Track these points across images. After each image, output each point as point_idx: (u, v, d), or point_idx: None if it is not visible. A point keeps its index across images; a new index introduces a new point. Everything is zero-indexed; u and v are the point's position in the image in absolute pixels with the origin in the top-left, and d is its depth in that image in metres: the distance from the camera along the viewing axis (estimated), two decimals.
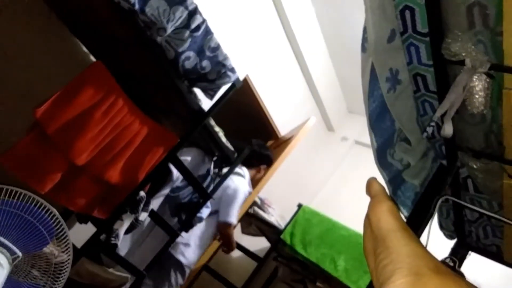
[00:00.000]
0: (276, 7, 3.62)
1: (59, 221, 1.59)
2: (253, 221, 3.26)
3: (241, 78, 3.44)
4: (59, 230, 1.63)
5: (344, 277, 2.63)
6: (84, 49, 2.43)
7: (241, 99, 3.65)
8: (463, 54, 0.92)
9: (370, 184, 0.43)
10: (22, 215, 1.47)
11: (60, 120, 1.91)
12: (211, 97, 2.11)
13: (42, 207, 1.49)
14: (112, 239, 1.99)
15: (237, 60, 2.71)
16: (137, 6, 1.71)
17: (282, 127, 4.15)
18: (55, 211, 1.53)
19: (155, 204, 2.31)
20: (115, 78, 1.99)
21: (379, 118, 1.21)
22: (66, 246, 1.69)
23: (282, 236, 3.01)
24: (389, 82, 1.10)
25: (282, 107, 4.07)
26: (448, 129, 0.95)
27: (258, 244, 3.52)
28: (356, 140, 4.43)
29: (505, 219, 1.17)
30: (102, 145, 1.95)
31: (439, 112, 0.96)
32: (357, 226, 2.88)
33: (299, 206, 3.21)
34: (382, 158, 1.29)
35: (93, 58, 2.44)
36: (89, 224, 2.22)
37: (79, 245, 1.93)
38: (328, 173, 4.35)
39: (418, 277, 0.29)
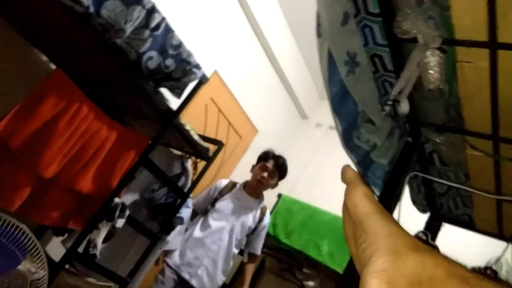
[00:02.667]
0: (239, 1, 3.59)
1: (31, 238, 1.54)
2: None
3: (209, 74, 3.43)
4: (31, 247, 1.59)
5: (329, 261, 2.67)
6: (45, 58, 2.36)
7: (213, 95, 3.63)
8: (414, 31, 0.93)
9: (345, 172, 0.44)
10: None
11: (23, 133, 1.85)
12: (178, 95, 2.09)
13: (11, 225, 1.44)
14: (90, 249, 1.96)
15: (202, 56, 2.68)
16: (92, 9, 1.66)
17: (257, 119, 4.15)
18: (25, 228, 1.49)
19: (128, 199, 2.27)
20: (78, 84, 1.94)
21: (341, 102, 1.22)
22: (41, 262, 1.65)
23: None
24: (348, 65, 1.11)
25: (254, 100, 4.06)
26: (404, 107, 0.97)
27: None
28: (330, 125, 4.47)
29: (471, 189, 1.21)
30: (70, 155, 1.91)
31: (395, 91, 0.97)
32: (338, 209, 2.92)
33: (279, 196, 3.23)
34: (349, 141, 1.30)
35: (54, 67, 2.37)
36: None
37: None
38: (305, 160, 4.39)
39: (396, 256, 0.30)
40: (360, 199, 0.38)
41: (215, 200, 2.64)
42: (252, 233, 2.64)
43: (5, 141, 1.83)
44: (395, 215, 1.19)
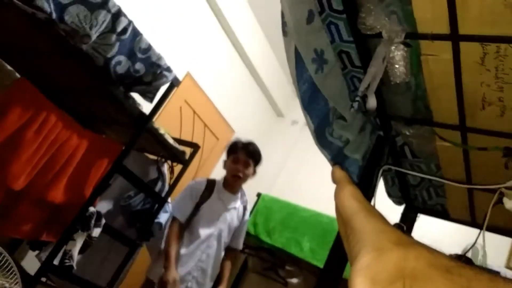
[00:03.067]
0: (207, 0, 3.57)
1: (1, 253, 1.49)
2: None
3: (182, 76, 3.40)
4: (3, 262, 1.53)
5: (311, 257, 2.69)
6: (8, 67, 2.28)
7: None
8: (378, 27, 0.94)
9: (334, 172, 0.47)
10: None
11: None
12: (150, 99, 2.05)
13: None
14: (67, 261, 1.91)
15: (174, 59, 2.65)
16: (54, 15, 1.62)
17: (233, 120, 4.14)
18: None
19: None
20: (45, 93, 1.88)
21: (311, 100, 1.22)
22: (15, 277, 1.60)
23: None
24: (316, 63, 1.11)
25: (228, 100, 4.05)
26: (371, 102, 0.98)
27: None
28: (306, 122, 4.50)
29: (442, 180, 1.23)
30: (39, 166, 1.85)
31: (362, 86, 0.98)
32: (317, 206, 2.94)
33: (258, 195, 3.23)
34: (321, 138, 1.31)
35: (18, 76, 2.29)
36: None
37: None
38: (283, 158, 4.41)
39: (380, 252, 0.31)
40: (347, 198, 0.40)
41: (198, 205, 2.43)
42: (235, 230, 2.55)
43: None
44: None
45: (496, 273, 0.28)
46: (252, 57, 4.10)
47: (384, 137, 1.33)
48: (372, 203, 1.18)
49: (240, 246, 2.60)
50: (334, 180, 0.46)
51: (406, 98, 1.15)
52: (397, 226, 1.36)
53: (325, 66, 1.15)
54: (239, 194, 2.54)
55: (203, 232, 2.36)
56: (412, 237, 0.34)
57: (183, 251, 2.31)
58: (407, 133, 1.24)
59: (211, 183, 2.51)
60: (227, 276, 2.51)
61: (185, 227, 2.37)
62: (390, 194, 1.68)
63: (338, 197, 0.42)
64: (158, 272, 2.29)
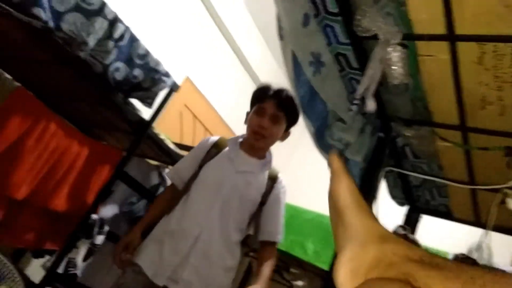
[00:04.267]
0: (204, 4, 3.57)
1: (5, 264, 1.49)
2: None
3: (181, 80, 3.40)
4: (7, 273, 1.53)
5: (314, 259, 2.67)
6: (7, 76, 2.28)
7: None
8: (374, 29, 0.93)
9: (332, 160, 0.46)
10: None
11: None
12: (149, 105, 2.05)
13: None
14: (71, 269, 1.91)
15: (172, 63, 2.65)
16: (51, 24, 1.62)
17: (234, 123, 4.14)
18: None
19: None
20: (44, 101, 1.88)
21: (310, 103, 1.22)
22: (18, 286, 1.60)
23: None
24: (313, 66, 1.11)
25: (228, 103, 4.04)
26: (370, 105, 0.97)
27: None
28: None
29: (444, 180, 1.22)
30: (41, 174, 1.85)
31: (360, 89, 0.97)
32: (320, 208, 2.93)
33: None
34: (321, 141, 1.30)
35: (17, 84, 2.29)
36: None
37: None
38: (285, 160, 4.39)
39: (363, 246, 0.33)
40: (342, 191, 0.41)
41: (201, 166, 1.70)
42: (259, 210, 1.69)
43: None
44: (374, 210, 1.19)
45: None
46: (251, 60, 4.09)
47: (385, 138, 1.32)
48: (375, 204, 1.17)
49: (274, 237, 1.70)
50: (331, 168, 0.46)
51: (405, 99, 1.14)
52: (400, 228, 1.35)
53: (322, 68, 1.14)
54: (262, 161, 1.70)
55: (202, 201, 1.64)
56: (394, 234, 0.35)
57: (173, 225, 1.59)
58: (408, 134, 1.23)
59: (223, 140, 1.78)
60: (265, 274, 1.63)
61: (182, 195, 1.67)
62: (393, 195, 1.67)
63: (334, 187, 0.43)
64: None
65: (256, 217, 1.68)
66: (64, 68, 1.81)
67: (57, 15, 1.63)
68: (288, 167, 4.33)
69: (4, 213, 1.83)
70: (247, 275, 3.21)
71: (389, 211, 1.59)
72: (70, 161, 1.91)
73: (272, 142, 1.68)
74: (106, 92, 1.83)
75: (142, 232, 1.61)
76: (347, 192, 0.40)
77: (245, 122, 1.72)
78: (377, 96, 1.20)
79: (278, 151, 4.43)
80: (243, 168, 1.67)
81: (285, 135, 1.64)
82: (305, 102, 1.17)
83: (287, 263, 2.95)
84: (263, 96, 1.63)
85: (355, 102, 0.98)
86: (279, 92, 1.56)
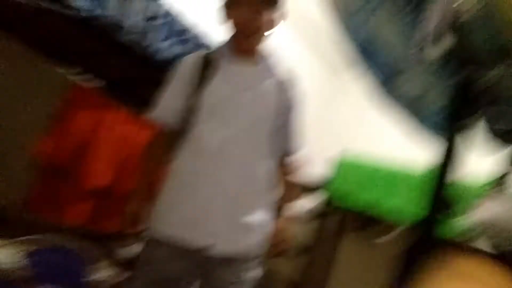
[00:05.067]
0: None
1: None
2: None
3: None
4: None
5: (396, 216, 2.58)
6: (61, 71, 2.32)
7: None
8: None
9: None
10: None
11: (66, 150, 1.89)
12: None
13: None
14: None
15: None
16: (93, 12, 1.62)
17: None
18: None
19: None
20: (103, 90, 1.93)
21: (369, 53, 1.07)
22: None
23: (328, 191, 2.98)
24: (365, 10, 0.96)
25: None
26: (438, 48, 0.80)
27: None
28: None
29: None
30: (119, 161, 1.94)
31: (424, 31, 0.81)
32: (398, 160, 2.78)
33: (338, 156, 3.08)
34: (390, 93, 1.16)
35: (72, 78, 2.33)
36: None
37: None
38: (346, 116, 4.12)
39: None
40: None
41: (196, 93, 1.32)
42: (274, 125, 1.39)
43: (52, 162, 1.88)
44: (467, 161, 1.06)
45: None
46: None
47: (463, 84, 1.13)
48: (464, 156, 1.03)
49: (293, 149, 1.46)
50: None
51: (480, 36, 0.94)
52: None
53: (377, 12, 0.99)
54: (261, 61, 1.41)
55: (214, 135, 1.29)
56: None
57: (185, 175, 1.30)
58: (491, 76, 1.04)
59: (211, 55, 1.39)
60: (289, 198, 1.44)
61: (177, 136, 1.33)
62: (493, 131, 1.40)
63: None
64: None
65: (274, 134, 1.38)
66: (113, 54, 1.82)
67: (98, 2, 1.63)
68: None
69: (92, 203, 1.96)
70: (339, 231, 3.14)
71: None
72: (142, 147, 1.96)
73: (262, 35, 1.36)
74: (152, 72, 1.83)
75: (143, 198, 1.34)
76: None
77: (225, 23, 1.36)
78: (448, 37, 1.02)
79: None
80: (255, 80, 1.38)
81: (274, 22, 1.33)
82: (365, 51, 1.03)
83: (368, 221, 2.88)
84: None
85: (420, 47, 0.82)
86: None
